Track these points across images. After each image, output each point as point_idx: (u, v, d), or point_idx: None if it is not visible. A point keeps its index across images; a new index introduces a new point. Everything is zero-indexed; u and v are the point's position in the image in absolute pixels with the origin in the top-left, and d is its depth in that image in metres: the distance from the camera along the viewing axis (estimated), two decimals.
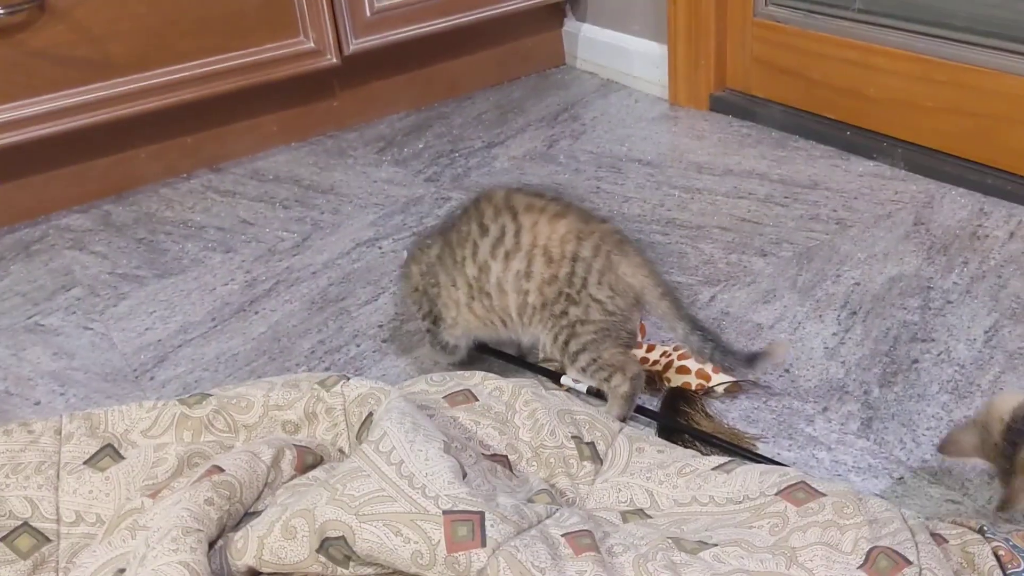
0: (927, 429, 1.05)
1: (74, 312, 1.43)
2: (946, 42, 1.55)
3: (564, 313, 1.06)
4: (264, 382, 1.04)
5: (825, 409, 1.09)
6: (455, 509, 0.79)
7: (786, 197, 1.58)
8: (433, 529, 0.77)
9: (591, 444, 1.00)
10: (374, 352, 1.28)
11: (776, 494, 0.89)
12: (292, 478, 0.92)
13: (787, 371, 1.16)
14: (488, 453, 0.98)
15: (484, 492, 0.83)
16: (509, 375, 1.10)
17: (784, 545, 0.83)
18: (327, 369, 1.25)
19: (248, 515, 0.88)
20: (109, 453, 0.97)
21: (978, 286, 1.29)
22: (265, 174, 1.85)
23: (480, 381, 1.07)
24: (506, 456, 0.98)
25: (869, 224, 1.47)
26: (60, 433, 0.98)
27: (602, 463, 0.99)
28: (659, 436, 1.07)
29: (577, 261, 1.05)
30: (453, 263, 1.11)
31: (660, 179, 1.68)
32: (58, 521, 0.92)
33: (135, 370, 1.28)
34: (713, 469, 0.96)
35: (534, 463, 0.98)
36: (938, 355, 1.16)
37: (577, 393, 1.12)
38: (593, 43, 2.19)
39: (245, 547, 0.82)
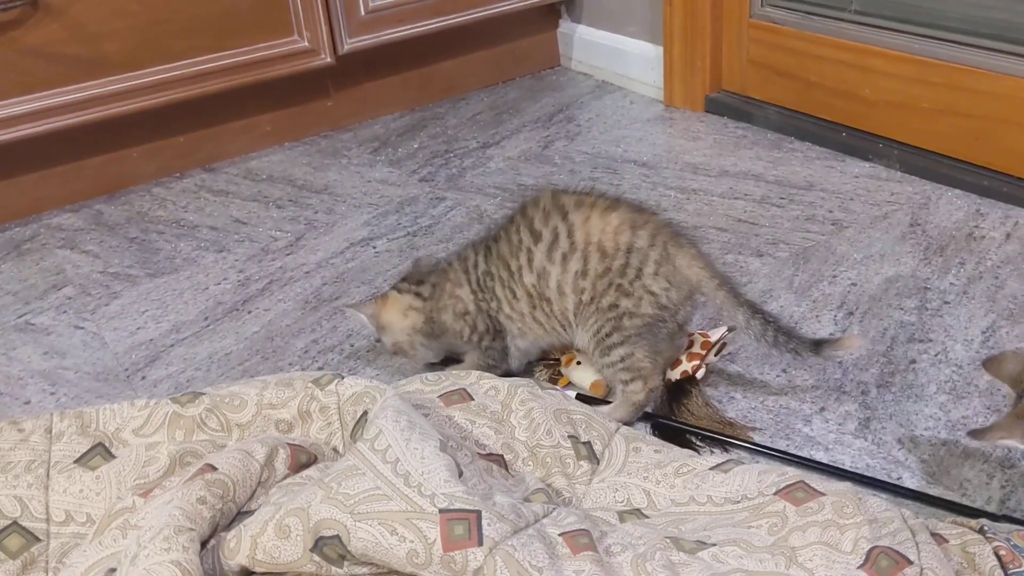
0: (925, 429, 1.04)
1: (65, 311, 1.41)
2: (942, 44, 1.55)
3: (614, 305, 1.04)
4: (258, 381, 1.03)
5: (823, 409, 1.09)
6: (451, 508, 0.78)
7: (782, 198, 1.57)
8: (429, 528, 0.76)
9: (588, 444, 0.99)
10: (368, 352, 1.26)
11: (775, 493, 0.88)
12: (285, 477, 0.91)
13: (784, 371, 1.16)
14: (484, 453, 0.97)
15: (481, 491, 0.82)
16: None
17: (783, 545, 0.82)
18: (321, 368, 1.24)
19: (241, 514, 0.87)
20: (100, 452, 0.96)
21: (975, 287, 1.28)
22: (259, 174, 1.84)
23: (476, 380, 1.06)
24: (502, 456, 0.97)
25: (865, 225, 1.46)
26: (51, 432, 0.97)
27: (599, 463, 0.98)
28: (656, 435, 1.06)
29: (632, 252, 1.03)
30: (510, 275, 1.09)
31: (656, 180, 1.68)
32: (48, 521, 0.91)
33: (127, 369, 1.27)
34: (711, 469, 0.95)
35: (530, 463, 0.97)
36: (935, 355, 1.16)
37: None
38: (588, 44, 2.18)
39: (238, 546, 0.81)
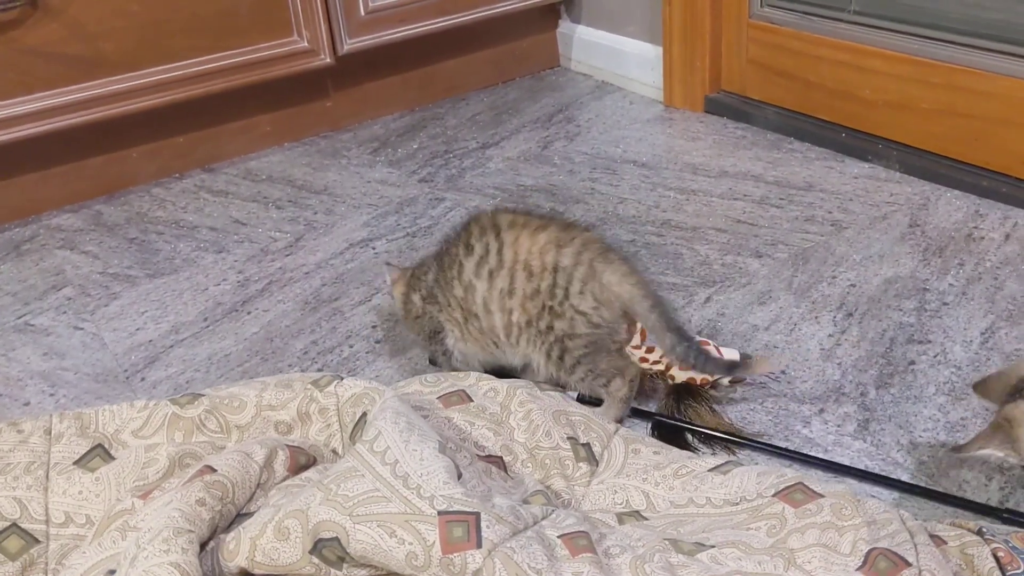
0: (924, 431, 1.04)
1: (65, 312, 1.41)
2: (941, 44, 1.55)
3: (550, 328, 1.03)
4: (257, 382, 1.03)
5: (822, 411, 1.09)
6: (450, 510, 0.78)
7: (781, 199, 1.57)
8: (428, 530, 0.76)
9: (587, 445, 0.99)
10: (367, 353, 1.27)
11: (774, 495, 0.88)
12: (285, 479, 0.91)
13: (783, 372, 1.16)
14: (483, 454, 0.97)
15: (480, 493, 0.82)
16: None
17: (782, 547, 0.82)
18: (320, 370, 1.24)
19: (240, 516, 0.87)
20: (99, 453, 0.96)
21: (974, 288, 1.28)
22: (258, 174, 1.84)
23: (475, 382, 1.07)
24: (501, 457, 0.97)
25: (864, 226, 1.47)
26: (50, 433, 0.97)
27: (598, 464, 0.99)
28: (656, 436, 1.06)
29: (558, 271, 1.02)
30: (446, 283, 1.09)
31: (655, 180, 1.68)
32: (47, 522, 0.91)
33: (126, 370, 1.27)
34: (710, 470, 0.95)
35: (529, 464, 0.98)
36: (934, 357, 1.16)
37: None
38: (588, 45, 2.18)
39: (237, 548, 0.81)
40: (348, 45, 1.87)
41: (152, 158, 1.83)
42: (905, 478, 0.98)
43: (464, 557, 0.75)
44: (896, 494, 0.96)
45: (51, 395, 1.23)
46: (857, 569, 0.78)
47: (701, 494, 0.93)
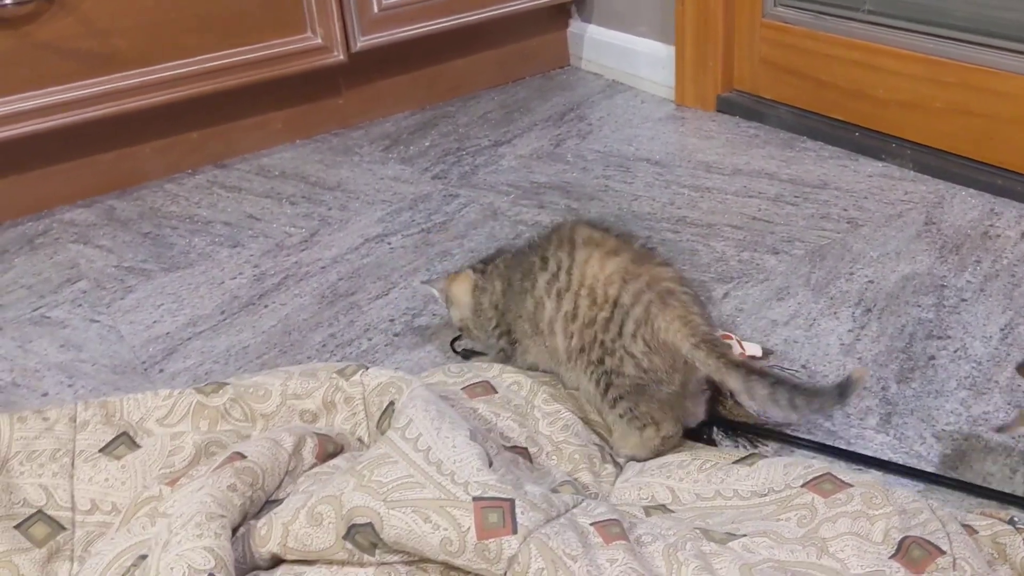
0: (946, 424, 1.04)
1: (80, 305, 1.41)
2: (955, 43, 1.55)
3: (601, 361, 0.97)
4: (281, 371, 1.03)
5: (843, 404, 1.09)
6: (485, 496, 0.78)
7: (796, 196, 1.58)
8: (463, 516, 0.76)
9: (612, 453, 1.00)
10: (386, 346, 1.26)
11: (802, 486, 0.88)
12: (313, 466, 0.91)
13: (804, 367, 1.16)
14: (508, 445, 0.97)
15: (511, 480, 0.82)
16: None
17: (814, 536, 0.82)
18: (339, 362, 1.23)
19: (269, 503, 0.87)
20: (125, 441, 0.96)
21: (992, 284, 1.29)
22: (271, 170, 1.84)
23: (498, 373, 1.07)
24: (526, 448, 0.97)
25: (880, 223, 1.47)
26: (75, 421, 0.97)
27: (621, 469, 0.99)
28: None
29: (617, 306, 0.95)
30: (520, 293, 1.04)
31: (669, 178, 1.68)
32: (73, 509, 0.91)
33: (144, 362, 1.26)
34: (735, 463, 0.95)
35: (555, 457, 0.97)
36: (954, 352, 1.16)
37: None
38: (598, 44, 2.19)
39: (269, 534, 0.81)
40: (361, 42, 1.88)
41: (165, 154, 1.83)
42: (929, 471, 0.98)
43: (500, 543, 0.75)
44: (922, 485, 0.96)
45: (69, 386, 1.22)
46: (890, 557, 0.78)
47: (728, 486, 0.93)
